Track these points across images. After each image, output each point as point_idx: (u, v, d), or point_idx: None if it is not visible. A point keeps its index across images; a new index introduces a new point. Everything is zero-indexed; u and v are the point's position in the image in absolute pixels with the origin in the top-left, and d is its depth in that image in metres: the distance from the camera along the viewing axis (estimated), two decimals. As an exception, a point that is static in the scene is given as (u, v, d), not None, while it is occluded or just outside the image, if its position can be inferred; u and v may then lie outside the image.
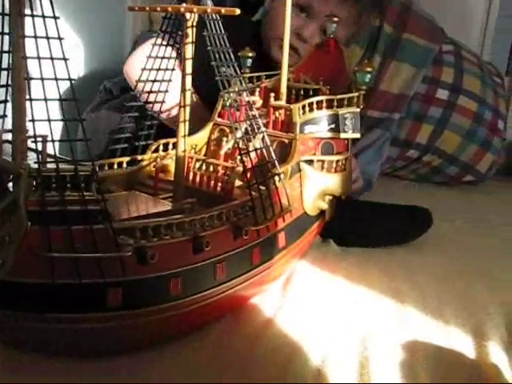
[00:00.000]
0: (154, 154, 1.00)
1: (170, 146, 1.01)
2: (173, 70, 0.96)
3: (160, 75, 0.95)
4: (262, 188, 0.85)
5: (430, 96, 1.76)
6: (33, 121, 0.64)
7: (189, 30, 0.84)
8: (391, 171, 1.88)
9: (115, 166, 0.96)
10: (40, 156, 0.66)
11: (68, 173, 0.65)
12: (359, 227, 1.19)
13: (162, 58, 0.94)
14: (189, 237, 0.74)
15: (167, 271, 0.72)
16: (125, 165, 0.97)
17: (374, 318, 0.92)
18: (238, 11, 0.77)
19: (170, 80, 0.96)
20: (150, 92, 0.96)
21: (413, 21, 1.80)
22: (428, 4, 2.06)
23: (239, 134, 0.88)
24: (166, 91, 0.97)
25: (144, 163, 0.99)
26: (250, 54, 1.14)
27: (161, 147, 1.01)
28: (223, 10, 0.78)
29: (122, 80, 1.53)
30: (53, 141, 0.65)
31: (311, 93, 1.10)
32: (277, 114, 1.01)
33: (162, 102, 0.99)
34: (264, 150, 0.89)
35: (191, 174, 0.97)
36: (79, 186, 0.65)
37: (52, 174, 0.64)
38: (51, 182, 0.64)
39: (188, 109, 0.87)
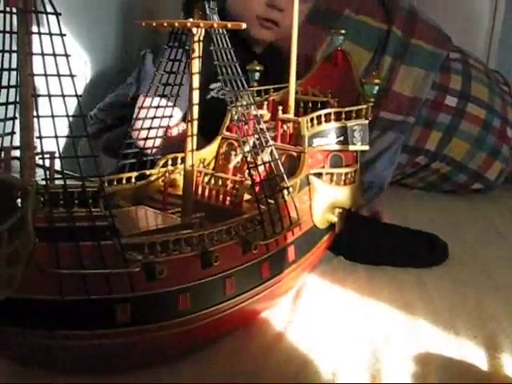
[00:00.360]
0: (163, 169, 1.01)
1: (179, 161, 1.02)
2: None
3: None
4: (271, 202, 0.85)
5: (438, 103, 1.76)
6: (40, 138, 0.64)
7: (195, 45, 0.85)
8: (400, 178, 1.87)
9: (124, 181, 0.96)
10: (48, 172, 0.66)
11: (76, 189, 0.65)
12: (370, 244, 1.18)
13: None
14: (197, 252, 0.74)
15: (176, 286, 0.72)
16: (133, 180, 0.97)
17: (385, 331, 0.91)
18: (244, 25, 0.77)
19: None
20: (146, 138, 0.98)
21: (420, 27, 1.80)
22: (433, 13, 2.07)
23: (247, 147, 0.88)
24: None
25: (152, 178, 1.00)
26: (258, 68, 1.14)
27: (169, 162, 1.01)
28: (229, 25, 0.79)
29: (116, 108, 1.52)
30: (60, 157, 0.65)
31: (319, 105, 1.10)
32: (285, 127, 1.01)
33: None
34: (272, 164, 0.89)
35: (200, 188, 0.97)
36: (87, 202, 0.65)
37: (60, 191, 0.64)
38: (59, 198, 0.64)
39: (195, 123, 0.87)
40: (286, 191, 0.89)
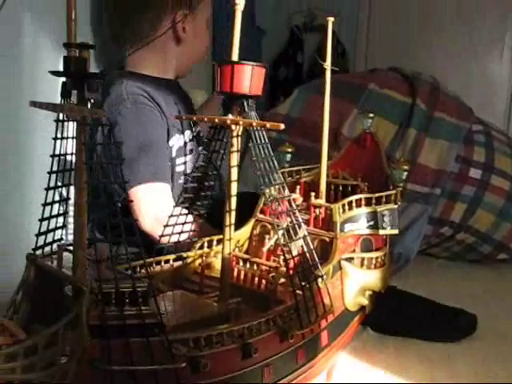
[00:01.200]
0: (199, 251, 1.04)
1: (214, 243, 1.05)
2: None
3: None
4: (306, 289, 0.88)
5: (463, 175, 1.79)
6: (94, 241, 0.68)
7: (234, 140, 0.89)
8: (425, 248, 1.89)
9: (162, 263, 1.00)
10: (98, 271, 0.70)
11: (126, 289, 0.68)
12: (398, 317, 1.21)
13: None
14: (238, 344, 0.77)
15: (218, 378, 0.75)
16: (171, 262, 1.01)
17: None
18: (282, 126, 0.81)
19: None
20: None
21: (443, 100, 1.86)
22: (453, 81, 2.13)
23: (281, 232, 0.90)
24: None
25: (189, 260, 1.03)
26: (290, 150, 1.19)
27: (205, 244, 1.05)
28: (268, 125, 0.83)
29: None
30: (112, 258, 0.69)
31: (350, 189, 1.14)
32: (317, 211, 1.05)
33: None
34: (306, 250, 0.92)
35: (235, 271, 1.01)
36: (137, 301, 0.69)
37: (112, 291, 0.68)
38: (111, 297, 0.68)
39: (233, 213, 0.91)
40: (320, 279, 0.92)
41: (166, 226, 0.99)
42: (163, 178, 1.42)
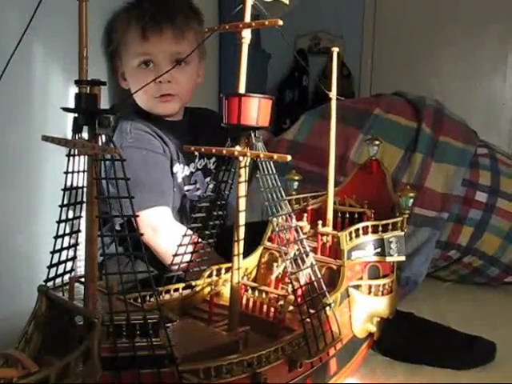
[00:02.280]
0: (208, 279, 1.05)
1: (223, 271, 1.06)
2: None
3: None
4: (314, 317, 0.89)
5: (469, 199, 1.79)
6: (106, 274, 0.70)
7: (242, 171, 0.91)
8: (432, 271, 1.89)
9: (172, 292, 1.01)
10: (110, 303, 0.71)
11: (138, 321, 0.70)
12: (407, 342, 1.21)
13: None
14: (248, 373, 0.78)
15: (227, 408, 0.75)
16: (181, 290, 1.02)
17: None
18: (289, 157, 0.83)
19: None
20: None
21: (447, 124, 1.87)
22: (457, 103, 2.15)
23: (288, 260, 0.91)
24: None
25: (198, 288, 1.04)
26: (297, 178, 1.20)
27: (214, 272, 1.06)
28: (275, 156, 0.84)
29: None
30: (124, 292, 0.70)
31: (356, 216, 1.15)
32: (324, 239, 1.06)
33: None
34: (314, 278, 0.93)
35: (244, 299, 1.01)
36: (148, 333, 0.70)
37: (123, 323, 0.69)
38: (122, 329, 0.69)
39: (242, 243, 0.92)
40: (328, 307, 0.93)
41: (176, 255, 1.00)
42: (166, 203, 1.46)
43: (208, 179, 1.57)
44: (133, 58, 1.50)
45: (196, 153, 1.57)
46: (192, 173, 1.59)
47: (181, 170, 1.56)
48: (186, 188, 1.57)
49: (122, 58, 1.54)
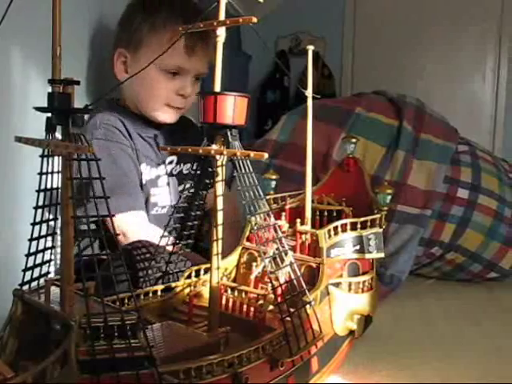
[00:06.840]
0: (187, 281, 1.04)
1: (202, 272, 1.06)
2: None
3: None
4: (294, 316, 0.89)
5: (451, 195, 1.81)
6: (83, 278, 0.69)
7: (219, 170, 0.90)
8: (415, 268, 1.90)
9: (150, 295, 1.00)
10: (87, 306, 0.70)
11: (115, 323, 0.69)
12: None
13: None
14: (228, 374, 0.77)
15: (208, 408, 0.75)
16: (159, 293, 1.01)
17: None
18: (265, 155, 0.82)
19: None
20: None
21: (428, 121, 1.89)
22: (438, 101, 2.16)
23: (267, 259, 0.91)
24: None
25: (177, 290, 1.03)
26: (274, 177, 1.20)
27: (193, 273, 1.05)
28: (252, 154, 0.84)
29: None
30: (100, 297, 0.69)
31: (335, 213, 1.15)
32: (303, 237, 1.06)
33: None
34: (294, 279, 0.93)
35: (224, 299, 1.01)
36: (126, 335, 0.69)
37: (100, 325, 0.68)
38: (100, 331, 0.68)
39: (220, 242, 0.91)
40: (308, 305, 0.93)
41: (154, 256, 0.99)
42: (139, 206, 1.44)
43: (181, 187, 1.55)
44: (161, 64, 1.47)
45: (170, 158, 1.57)
46: (159, 176, 1.57)
47: (147, 172, 1.53)
48: (151, 191, 1.54)
49: (136, 55, 1.51)
